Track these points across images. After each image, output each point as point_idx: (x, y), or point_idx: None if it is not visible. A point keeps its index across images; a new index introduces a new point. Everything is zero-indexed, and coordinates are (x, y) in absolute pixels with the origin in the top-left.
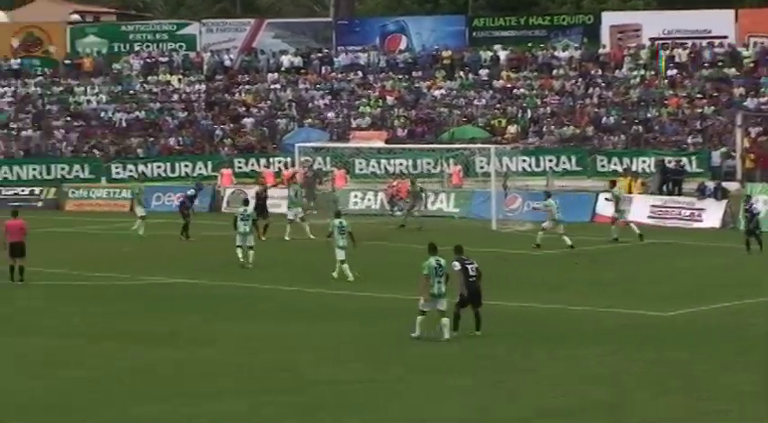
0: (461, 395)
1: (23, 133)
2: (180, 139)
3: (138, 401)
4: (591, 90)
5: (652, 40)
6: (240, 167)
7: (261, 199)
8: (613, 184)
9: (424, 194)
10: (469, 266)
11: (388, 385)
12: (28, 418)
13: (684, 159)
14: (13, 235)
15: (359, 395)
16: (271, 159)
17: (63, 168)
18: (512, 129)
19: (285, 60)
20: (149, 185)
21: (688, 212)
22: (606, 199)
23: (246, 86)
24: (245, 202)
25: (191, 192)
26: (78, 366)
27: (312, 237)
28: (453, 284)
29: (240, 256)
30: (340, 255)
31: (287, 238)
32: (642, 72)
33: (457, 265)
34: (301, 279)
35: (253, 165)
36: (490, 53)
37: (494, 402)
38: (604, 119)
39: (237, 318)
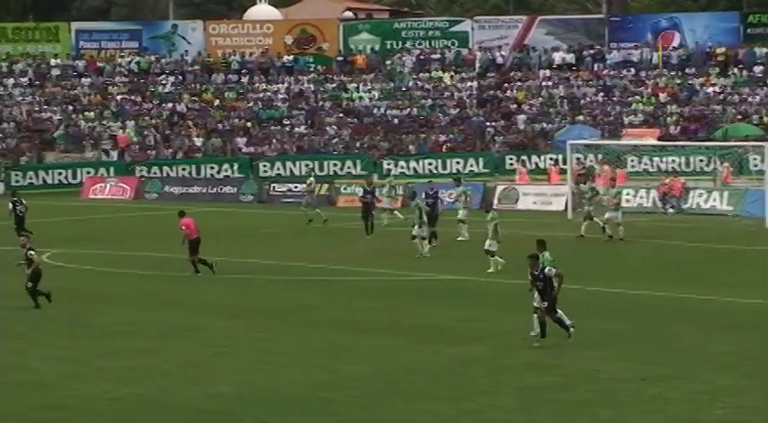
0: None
1: (297, 130)
2: (451, 136)
3: (417, 399)
4: None
5: None
6: (511, 164)
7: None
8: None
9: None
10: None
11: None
12: (308, 410)
13: None
14: (194, 232)
15: (624, 393)
16: (542, 156)
17: (335, 164)
18: None
19: (557, 57)
20: (421, 182)
21: None
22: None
23: (518, 83)
24: (415, 196)
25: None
26: (361, 361)
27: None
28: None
29: (420, 246)
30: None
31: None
32: None
33: (553, 271)
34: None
35: (524, 162)
36: (765, 50)
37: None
38: None
39: (497, 313)
